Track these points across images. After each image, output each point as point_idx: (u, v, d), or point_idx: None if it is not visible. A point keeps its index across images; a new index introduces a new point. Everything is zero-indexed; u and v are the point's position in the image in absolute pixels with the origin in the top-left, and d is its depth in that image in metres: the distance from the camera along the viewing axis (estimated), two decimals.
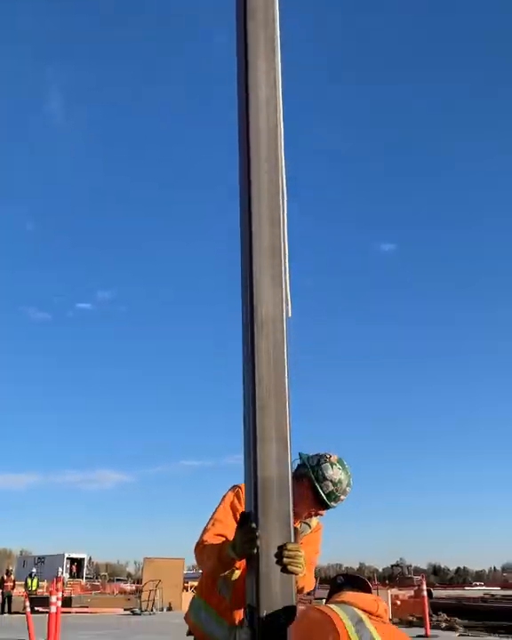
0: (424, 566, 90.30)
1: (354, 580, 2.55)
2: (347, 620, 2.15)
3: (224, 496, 3.14)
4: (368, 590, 2.47)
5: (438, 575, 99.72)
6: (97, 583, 48.23)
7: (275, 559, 2.40)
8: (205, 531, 2.98)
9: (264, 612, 2.38)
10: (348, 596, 2.34)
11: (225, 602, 2.98)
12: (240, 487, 3.04)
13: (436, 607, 22.70)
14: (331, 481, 2.96)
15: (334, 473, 2.97)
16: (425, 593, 16.85)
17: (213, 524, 2.99)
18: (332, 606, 2.25)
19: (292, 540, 2.47)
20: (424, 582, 16.95)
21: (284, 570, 2.38)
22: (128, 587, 44.28)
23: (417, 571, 52.84)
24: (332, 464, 2.99)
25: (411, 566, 56.10)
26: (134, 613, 23.06)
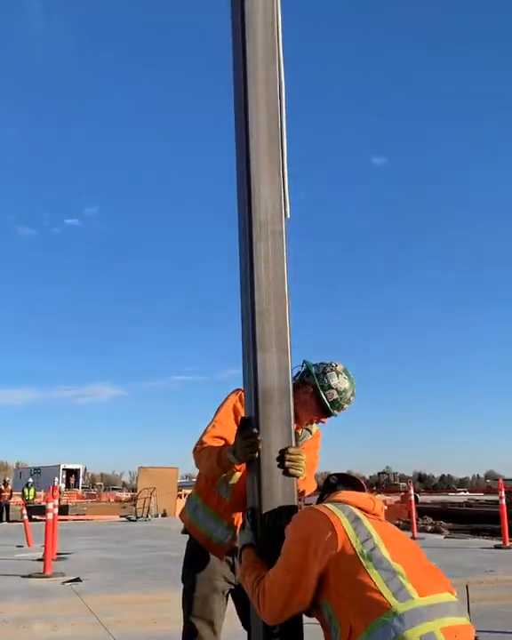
0: (409, 474, 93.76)
1: (347, 480, 2.50)
2: (343, 517, 2.12)
3: (226, 398, 3.07)
4: (362, 489, 2.43)
5: (423, 482, 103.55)
6: (93, 492, 49.72)
7: (276, 462, 2.41)
8: (205, 432, 2.92)
9: (266, 514, 2.38)
10: (343, 494, 2.31)
11: (224, 502, 2.94)
12: (242, 391, 2.92)
13: (422, 511, 23.53)
14: (336, 389, 2.92)
15: (340, 382, 2.93)
16: (412, 497, 17.39)
17: (214, 426, 2.94)
18: (327, 505, 2.21)
19: (294, 445, 2.46)
20: (412, 487, 17.42)
21: (286, 473, 2.40)
22: (123, 495, 45.78)
23: (402, 478, 54.55)
24: (337, 373, 2.95)
25: (397, 474, 57.92)
26: (130, 520, 23.73)
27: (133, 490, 37.80)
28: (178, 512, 23.59)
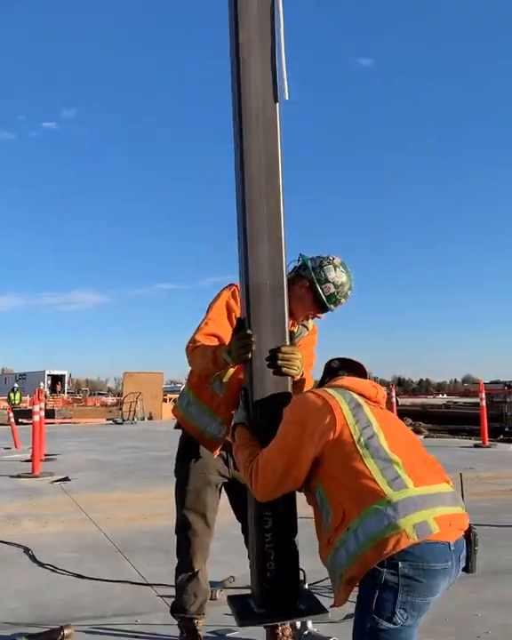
0: (389, 379, 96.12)
1: (350, 365, 2.42)
2: (344, 403, 2.08)
3: (218, 295, 2.92)
4: (365, 376, 2.37)
5: (402, 386, 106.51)
6: (78, 397, 50.45)
7: (268, 363, 2.34)
8: (198, 330, 2.83)
9: (259, 399, 2.35)
10: (345, 380, 2.25)
11: (217, 397, 2.86)
12: (236, 286, 2.81)
13: (403, 413, 24.14)
14: (333, 283, 2.77)
15: (337, 275, 2.78)
16: (394, 399, 17.71)
17: (207, 324, 2.81)
18: (328, 390, 2.16)
19: (287, 343, 2.39)
20: (394, 389, 17.70)
21: (278, 372, 2.34)
22: (109, 400, 46.50)
23: (383, 383, 55.87)
24: (335, 266, 2.79)
25: (377, 378, 59.24)
26: (116, 423, 24.08)
27: (119, 395, 38.34)
28: (164, 414, 23.86)
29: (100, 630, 3.51)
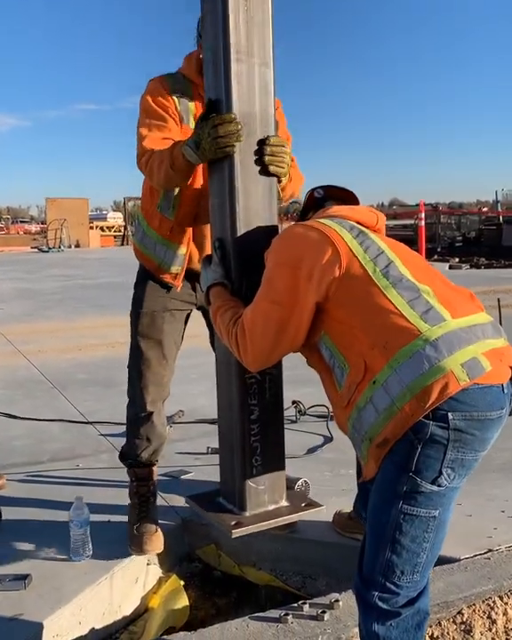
0: None
1: (337, 193, 1.98)
2: (345, 231, 1.64)
3: (144, 94, 2.32)
4: (357, 203, 1.96)
5: None
6: (0, 225, 48.34)
7: (254, 157, 1.93)
8: (142, 138, 2.25)
9: (239, 238, 1.92)
10: (338, 208, 1.82)
11: (168, 221, 2.40)
12: (162, 76, 2.35)
13: None
14: None
15: None
16: None
17: (149, 129, 2.26)
18: (322, 220, 1.72)
19: (274, 133, 1.98)
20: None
21: (264, 170, 1.95)
22: (33, 227, 44.77)
23: None
24: None
25: None
26: (42, 251, 23.20)
27: (43, 223, 36.75)
28: (91, 242, 23.30)
29: (37, 478, 3.13)
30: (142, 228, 2.51)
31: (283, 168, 1.97)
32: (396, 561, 1.51)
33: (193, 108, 2.27)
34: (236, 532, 1.95)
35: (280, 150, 1.95)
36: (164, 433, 2.62)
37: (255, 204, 1.94)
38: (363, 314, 1.54)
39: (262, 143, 1.93)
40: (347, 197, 1.96)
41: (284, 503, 2.10)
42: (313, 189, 2.00)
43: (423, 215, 13.99)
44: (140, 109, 2.32)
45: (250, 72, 1.90)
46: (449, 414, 1.40)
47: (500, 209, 24.72)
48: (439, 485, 1.45)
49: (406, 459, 1.44)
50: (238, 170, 1.90)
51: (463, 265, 14.41)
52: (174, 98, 2.26)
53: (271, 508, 2.07)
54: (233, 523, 1.98)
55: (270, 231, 1.94)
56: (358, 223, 1.74)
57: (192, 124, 2.21)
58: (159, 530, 2.45)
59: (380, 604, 1.54)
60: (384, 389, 1.46)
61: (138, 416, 2.55)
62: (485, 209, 30.45)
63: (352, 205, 1.88)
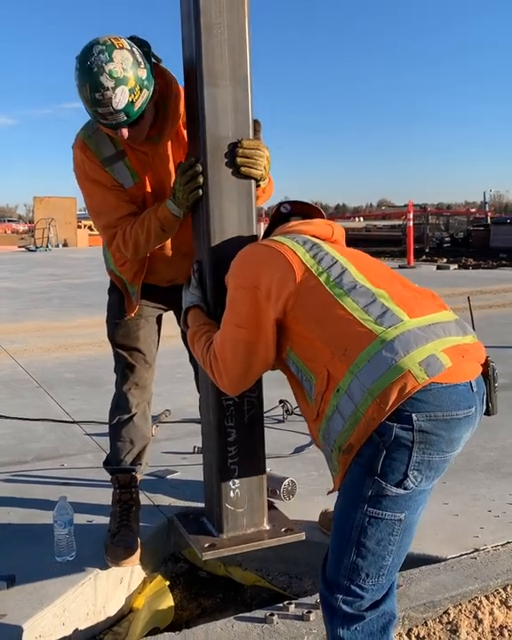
0: None
1: (303, 208, 2.01)
2: (297, 246, 1.68)
3: (77, 176, 2.23)
4: (322, 217, 1.98)
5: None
6: None
7: (227, 159, 1.94)
8: (99, 217, 2.22)
9: (215, 255, 1.95)
10: (294, 224, 1.86)
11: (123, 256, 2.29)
12: (81, 137, 2.19)
13: None
14: (83, 98, 1.95)
15: (78, 85, 1.93)
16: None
17: (103, 209, 2.20)
18: (276, 238, 1.76)
19: (251, 136, 1.98)
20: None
21: (237, 172, 1.95)
22: (20, 227, 44.49)
23: None
24: (76, 72, 1.92)
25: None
26: (29, 250, 23.07)
27: (30, 222, 36.53)
28: (79, 242, 23.19)
29: (21, 478, 3.10)
30: (107, 255, 2.43)
31: (256, 170, 1.97)
32: (360, 564, 1.48)
33: (129, 163, 2.16)
34: (206, 555, 1.97)
35: (253, 153, 1.95)
36: (148, 434, 2.60)
37: (230, 228, 1.96)
38: (321, 325, 1.54)
39: (234, 146, 1.93)
40: (311, 212, 1.98)
41: (265, 527, 2.10)
42: (280, 204, 2.02)
43: (411, 216, 13.99)
44: (81, 189, 2.25)
45: (223, 95, 1.92)
46: (413, 415, 1.38)
47: (488, 210, 24.88)
48: (405, 488, 1.42)
49: (372, 462, 1.42)
50: (212, 194, 1.94)
51: (451, 265, 14.44)
52: (107, 171, 2.15)
53: (250, 531, 2.07)
54: (207, 545, 1.99)
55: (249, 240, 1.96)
56: (314, 236, 1.77)
57: (135, 180, 2.17)
58: (137, 542, 2.35)
59: (344, 607, 1.51)
60: (348, 396, 1.44)
61: (121, 419, 2.53)
62: (474, 210, 30.61)
63: (312, 220, 1.90)
